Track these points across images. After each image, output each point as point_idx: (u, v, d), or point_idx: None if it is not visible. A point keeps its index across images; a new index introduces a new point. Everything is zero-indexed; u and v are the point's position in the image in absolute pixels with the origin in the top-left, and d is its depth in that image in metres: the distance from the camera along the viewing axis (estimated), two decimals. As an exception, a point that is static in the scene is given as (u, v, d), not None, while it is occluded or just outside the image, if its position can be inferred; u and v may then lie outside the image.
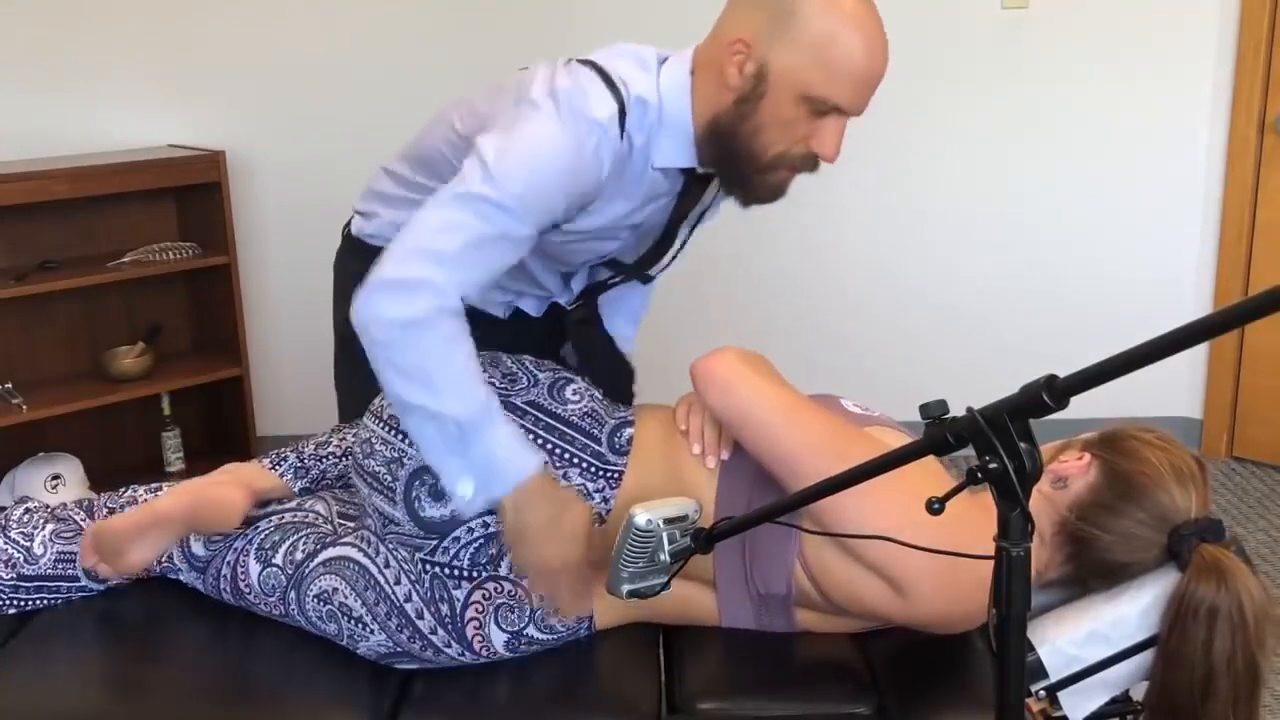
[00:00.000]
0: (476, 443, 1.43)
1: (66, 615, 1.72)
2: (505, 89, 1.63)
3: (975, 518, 1.22)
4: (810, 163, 1.54)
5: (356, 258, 1.90)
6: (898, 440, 1.50)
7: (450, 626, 1.54)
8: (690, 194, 1.66)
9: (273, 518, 1.71)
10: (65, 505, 1.82)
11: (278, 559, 1.64)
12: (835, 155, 1.51)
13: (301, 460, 1.81)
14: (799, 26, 1.44)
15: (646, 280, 1.87)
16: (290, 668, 1.60)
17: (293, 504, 1.74)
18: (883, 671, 1.54)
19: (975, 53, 3.38)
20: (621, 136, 1.52)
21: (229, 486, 1.70)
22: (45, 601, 1.73)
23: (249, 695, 1.56)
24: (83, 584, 1.73)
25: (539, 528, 1.47)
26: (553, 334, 1.92)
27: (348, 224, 2.00)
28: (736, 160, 1.54)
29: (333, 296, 2.01)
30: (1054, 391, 0.92)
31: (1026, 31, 3.35)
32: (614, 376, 1.82)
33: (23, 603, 1.72)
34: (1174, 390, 3.57)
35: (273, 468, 1.79)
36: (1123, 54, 3.35)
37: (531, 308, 1.91)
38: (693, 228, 1.79)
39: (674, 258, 1.81)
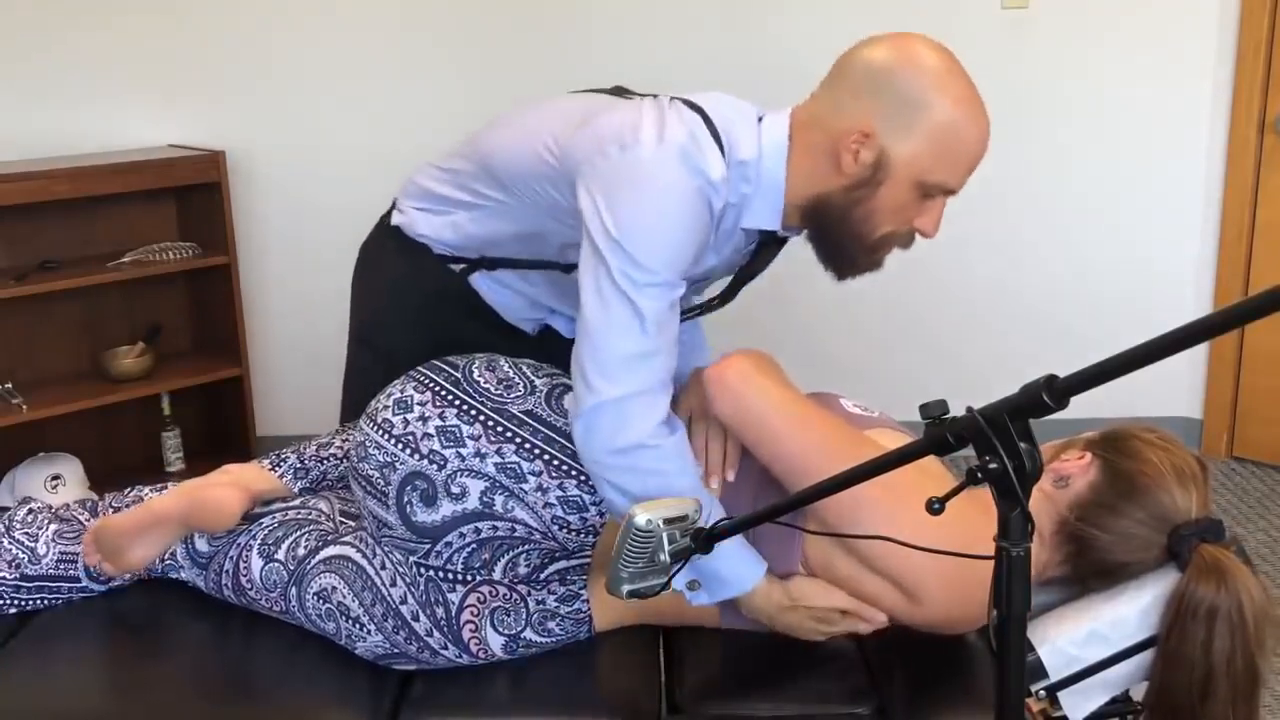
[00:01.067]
0: (704, 558, 1.44)
1: (67, 615, 1.72)
2: (597, 121, 1.54)
3: (976, 518, 1.22)
4: (910, 239, 1.56)
5: (400, 253, 1.85)
6: (899, 442, 1.50)
7: (446, 629, 1.55)
8: (763, 255, 1.66)
9: (276, 514, 1.71)
10: (69, 505, 1.82)
11: (280, 554, 1.64)
12: (936, 232, 1.54)
13: (302, 461, 1.81)
14: (924, 117, 1.46)
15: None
16: (291, 667, 1.60)
17: (296, 501, 1.75)
18: (882, 672, 1.54)
19: (975, 53, 3.36)
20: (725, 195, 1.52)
21: (225, 488, 1.71)
22: (46, 602, 1.73)
23: (249, 695, 1.56)
24: (84, 584, 1.74)
25: (778, 615, 1.52)
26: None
27: (387, 214, 1.91)
28: (843, 240, 1.55)
29: (353, 287, 1.96)
30: (1054, 391, 0.92)
31: (1026, 31, 3.35)
32: None
33: (23, 602, 1.72)
34: (1174, 390, 3.57)
35: (272, 468, 1.79)
36: (1122, 54, 3.35)
37: (563, 327, 1.88)
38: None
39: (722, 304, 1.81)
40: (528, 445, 1.57)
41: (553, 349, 1.81)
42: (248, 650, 1.65)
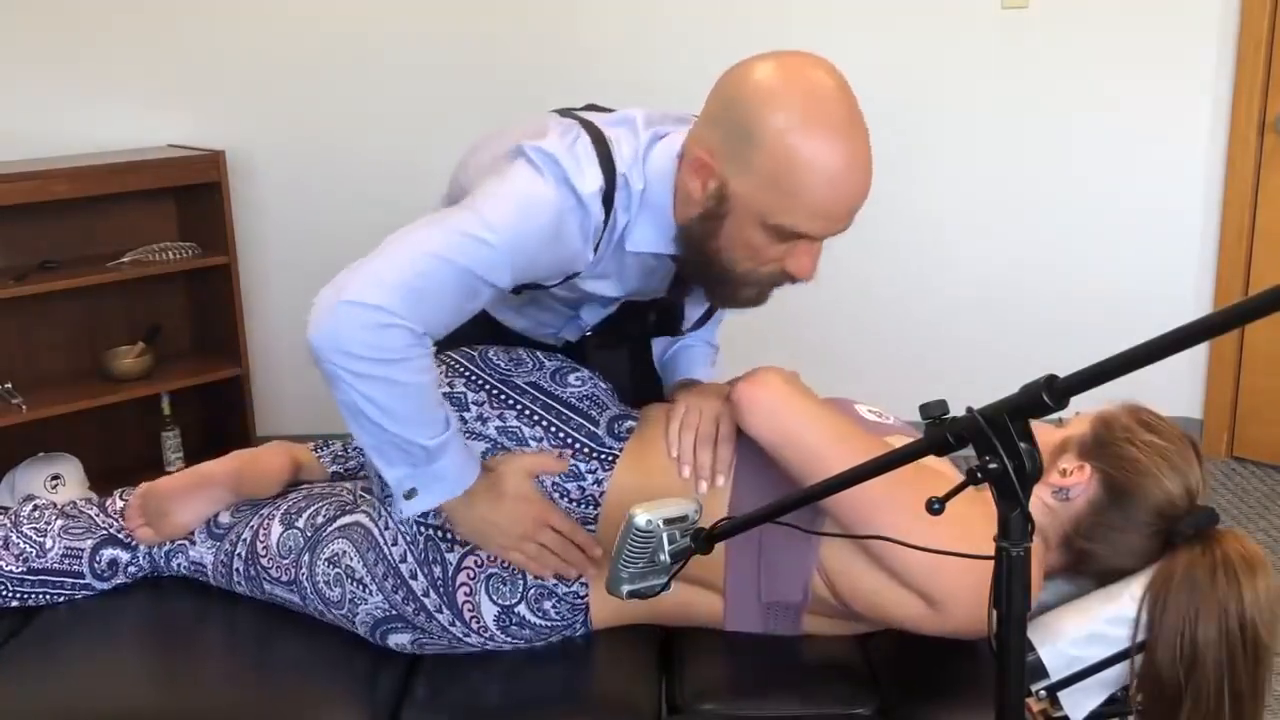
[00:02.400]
0: (436, 461, 1.45)
1: (70, 612, 1.72)
2: (514, 135, 1.53)
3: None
4: (785, 279, 1.46)
5: None
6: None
7: (442, 589, 1.55)
8: (684, 280, 1.60)
9: (303, 489, 1.77)
10: (75, 503, 1.83)
11: (300, 522, 1.67)
12: (811, 276, 1.43)
13: (346, 450, 1.87)
14: (754, 150, 1.33)
15: (677, 333, 1.82)
16: (292, 667, 1.60)
17: (324, 484, 1.80)
18: (883, 671, 1.54)
19: (975, 53, 3.38)
20: (607, 215, 1.45)
21: (275, 454, 1.79)
22: (48, 597, 1.73)
23: (251, 693, 1.56)
24: (87, 581, 1.74)
25: (488, 513, 1.50)
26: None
27: None
28: (708, 270, 1.47)
29: None
30: (1054, 391, 0.92)
31: (1026, 31, 3.35)
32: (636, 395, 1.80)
33: (26, 596, 1.73)
34: (1174, 390, 3.57)
35: (315, 450, 1.85)
36: (1122, 54, 3.36)
37: (571, 334, 1.85)
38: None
39: (705, 321, 1.77)
40: (528, 412, 1.61)
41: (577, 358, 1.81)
42: (250, 649, 1.65)
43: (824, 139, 1.32)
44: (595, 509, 1.58)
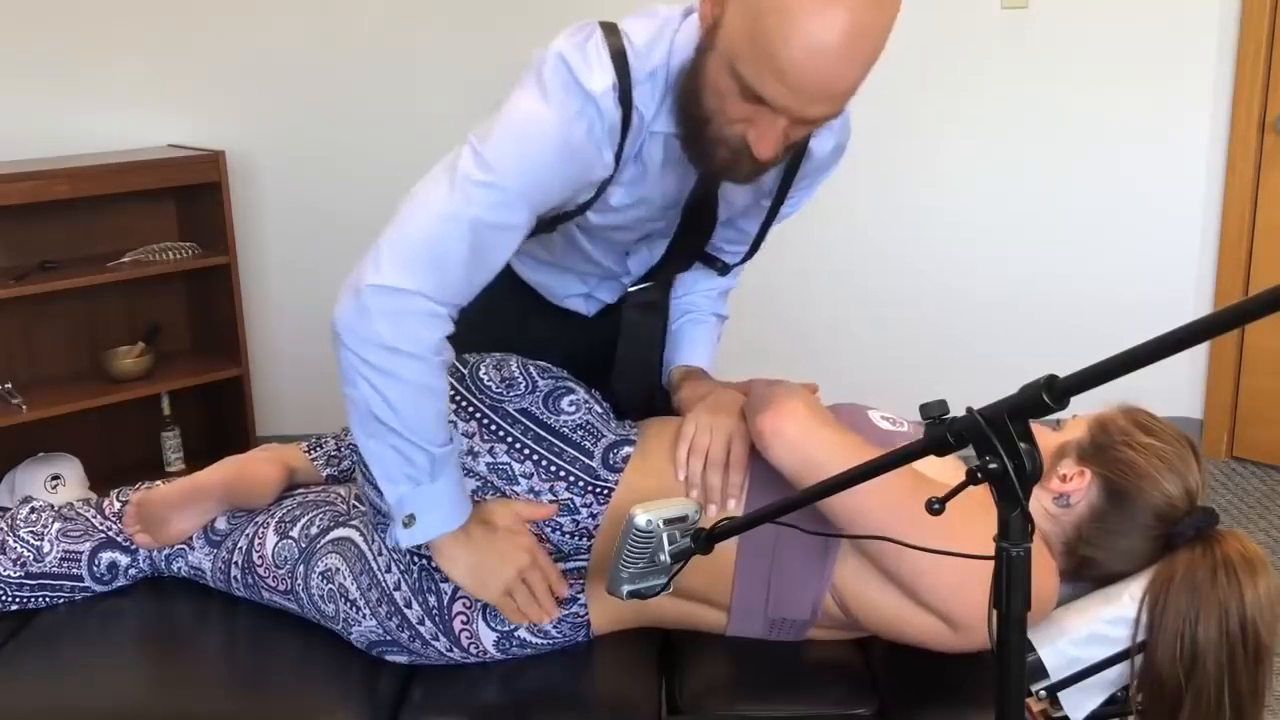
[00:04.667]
0: (438, 478, 1.42)
1: (70, 613, 1.72)
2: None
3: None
4: (746, 154, 1.34)
5: None
6: (937, 466, 1.41)
7: (438, 619, 1.54)
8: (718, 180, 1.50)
9: (297, 495, 1.75)
10: (72, 505, 1.83)
11: (294, 532, 1.65)
12: (766, 154, 1.32)
13: (339, 449, 1.84)
14: None
15: (724, 270, 1.77)
16: (291, 668, 1.60)
17: (319, 487, 1.78)
18: (883, 672, 1.54)
19: (975, 53, 3.38)
20: (628, 113, 1.39)
21: (267, 463, 1.76)
22: (47, 600, 1.73)
23: (249, 694, 1.56)
24: (85, 584, 1.74)
25: (484, 549, 1.47)
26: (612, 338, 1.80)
27: None
28: (685, 113, 1.38)
29: None
30: (1054, 391, 0.92)
31: (1026, 31, 3.35)
32: (646, 375, 1.76)
33: (25, 600, 1.72)
34: (1174, 390, 3.57)
35: (308, 450, 1.83)
36: (1123, 54, 3.36)
37: (607, 295, 1.79)
38: (767, 218, 1.67)
39: (752, 250, 1.72)
40: (518, 445, 1.56)
41: (613, 328, 1.77)
42: (249, 650, 1.65)
43: (819, 13, 1.19)
44: (588, 540, 1.56)
